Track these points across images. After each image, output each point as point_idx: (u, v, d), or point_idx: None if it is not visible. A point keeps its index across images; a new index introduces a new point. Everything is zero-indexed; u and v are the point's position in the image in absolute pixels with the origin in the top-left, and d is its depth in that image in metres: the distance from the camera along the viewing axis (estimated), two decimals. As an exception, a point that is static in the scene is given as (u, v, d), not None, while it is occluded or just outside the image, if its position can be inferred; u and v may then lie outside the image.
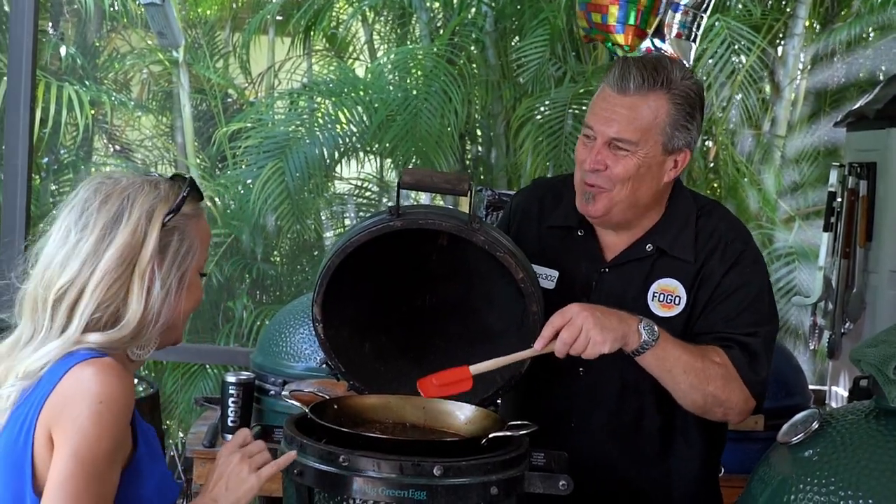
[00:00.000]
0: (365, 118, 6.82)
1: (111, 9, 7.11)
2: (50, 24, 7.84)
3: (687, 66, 3.61)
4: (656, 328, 2.39)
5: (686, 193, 2.68)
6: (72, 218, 1.95)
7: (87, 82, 7.10)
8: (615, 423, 2.60)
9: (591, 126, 2.53)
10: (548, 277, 2.65)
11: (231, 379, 3.69)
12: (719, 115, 7.16)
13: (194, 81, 7.48)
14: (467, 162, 6.96)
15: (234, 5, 8.13)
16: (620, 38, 3.65)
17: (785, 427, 2.22)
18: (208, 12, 8.13)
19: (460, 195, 2.37)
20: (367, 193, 7.37)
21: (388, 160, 7.11)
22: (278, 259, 7.40)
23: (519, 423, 2.30)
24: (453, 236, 2.48)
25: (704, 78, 6.77)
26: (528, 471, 2.24)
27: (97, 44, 7.69)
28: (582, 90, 6.54)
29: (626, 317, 2.38)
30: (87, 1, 6.59)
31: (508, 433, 2.24)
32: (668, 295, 2.56)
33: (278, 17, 7.96)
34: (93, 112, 7.24)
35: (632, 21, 3.55)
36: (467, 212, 2.41)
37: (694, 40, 3.72)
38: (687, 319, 2.55)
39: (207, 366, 6.05)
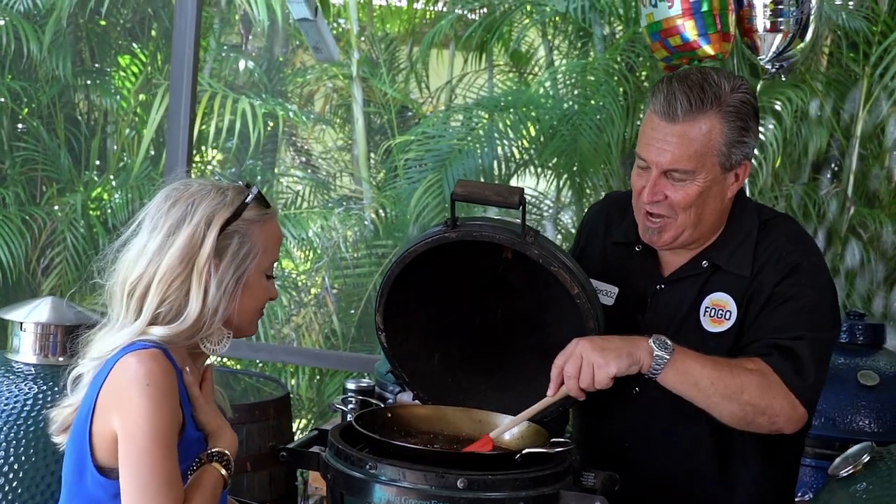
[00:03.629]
0: (532, 133, 6.83)
1: (290, 26, 7.36)
2: (241, 38, 8.18)
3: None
4: (669, 342, 2.32)
5: (749, 207, 2.60)
6: (146, 220, 2.14)
7: (263, 95, 7.35)
8: (669, 442, 2.54)
9: (643, 157, 2.46)
10: (608, 293, 2.64)
11: (351, 385, 3.76)
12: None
13: (372, 96, 7.65)
14: (627, 177, 6.85)
15: (417, 21, 8.27)
16: (709, 50, 3.53)
17: (837, 460, 2.15)
18: (395, 30, 8.30)
19: (511, 207, 2.36)
20: (543, 207, 7.35)
21: (562, 176, 7.07)
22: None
23: (560, 440, 2.27)
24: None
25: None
26: (566, 489, 2.20)
27: (280, 59, 7.95)
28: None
29: (632, 337, 2.33)
30: (262, 18, 6.82)
31: (543, 450, 2.21)
32: (719, 310, 2.50)
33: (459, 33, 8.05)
34: (271, 125, 7.50)
35: (713, 29, 3.44)
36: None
37: (794, 25, 3.54)
38: (738, 334, 2.48)
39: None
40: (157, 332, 2.08)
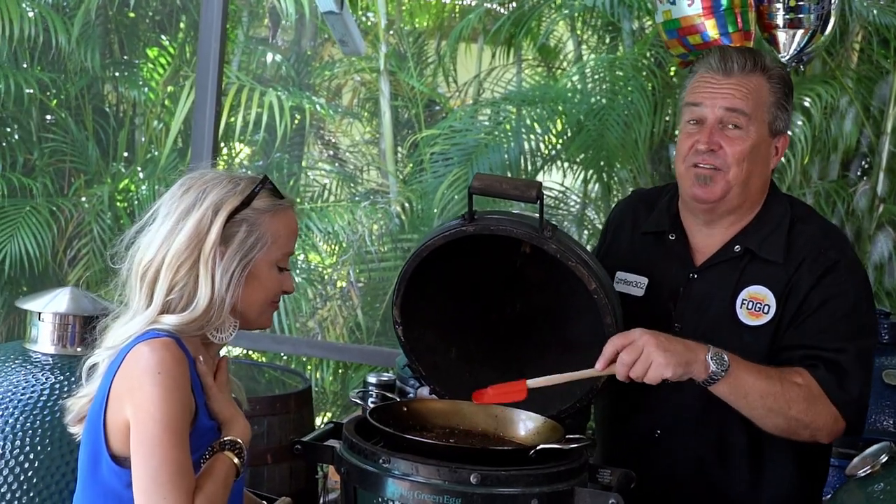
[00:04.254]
0: (560, 128, 6.81)
1: (318, 20, 7.36)
2: (269, 31, 8.19)
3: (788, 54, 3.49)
4: (726, 357, 2.30)
5: (782, 197, 2.62)
6: (162, 206, 2.16)
7: (290, 88, 7.36)
8: (699, 436, 2.52)
9: (699, 104, 2.51)
10: (637, 284, 2.62)
11: (372, 380, 3.75)
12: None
13: (399, 89, 7.65)
14: (655, 174, 6.82)
15: (445, 15, 8.26)
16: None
17: (855, 460, 2.13)
18: (424, 24, 8.30)
19: (529, 202, 2.34)
20: (570, 202, 7.32)
21: (588, 171, 7.04)
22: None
23: (576, 436, 2.25)
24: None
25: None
26: (581, 486, 2.18)
27: (308, 52, 7.96)
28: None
29: (693, 345, 2.30)
30: (290, 11, 6.82)
31: (558, 446, 2.19)
32: (757, 303, 2.48)
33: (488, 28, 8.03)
34: (298, 118, 7.51)
35: (734, 27, 3.40)
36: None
37: (815, 21, 3.50)
38: (776, 329, 2.46)
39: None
40: (170, 320, 2.08)
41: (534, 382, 2.33)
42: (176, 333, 2.09)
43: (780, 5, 3.49)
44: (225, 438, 2.12)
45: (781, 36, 3.53)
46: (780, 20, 3.52)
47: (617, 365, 2.28)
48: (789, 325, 2.45)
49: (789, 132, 2.56)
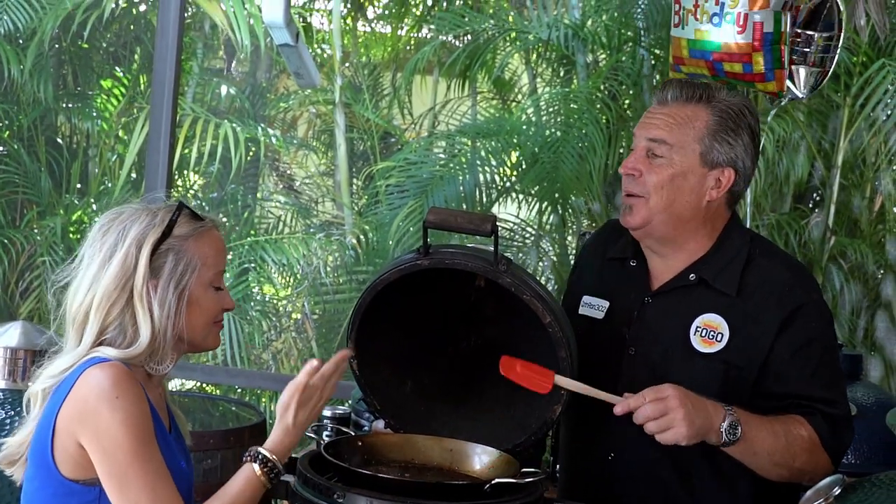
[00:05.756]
0: (514, 160, 6.84)
1: (273, 52, 7.37)
2: (224, 63, 8.19)
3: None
4: (739, 429, 2.33)
5: (744, 231, 2.64)
6: (85, 251, 2.17)
7: (245, 120, 7.35)
8: (655, 459, 2.51)
9: (635, 135, 2.56)
10: (599, 308, 2.65)
11: (327, 413, 3.72)
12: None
13: (354, 121, 7.66)
14: (609, 206, 6.86)
15: (401, 48, 8.29)
16: (771, 86, 3.39)
17: (808, 492, 2.13)
18: (380, 56, 8.32)
19: (484, 235, 2.35)
20: (526, 234, 7.34)
21: (543, 203, 7.07)
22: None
23: (530, 470, 2.25)
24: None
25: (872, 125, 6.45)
26: (536, 520, 2.18)
27: (264, 84, 7.96)
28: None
29: (713, 411, 2.33)
30: (245, 43, 6.81)
31: (513, 480, 2.19)
32: (710, 331, 2.50)
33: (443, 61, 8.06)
34: (253, 150, 7.50)
35: (779, 64, 3.30)
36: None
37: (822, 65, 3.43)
38: (728, 356, 2.48)
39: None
40: (112, 353, 2.09)
41: (561, 380, 2.34)
42: (120, 363, 2.08)
43: (804, 41, 3.39)
44: (258, 450, 2.13)
45: (802, 72, 3.45)
46: (806, 56, 3.41)
47: (638, 413, 2.29)
48: (766, 362, 2.47)
49: (737, 168, 2.52)
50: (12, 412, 2.78)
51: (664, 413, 2.27)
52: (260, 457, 2.12)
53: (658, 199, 2.50)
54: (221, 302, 2.21)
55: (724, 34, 3.36)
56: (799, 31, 3.40)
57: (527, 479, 2.20)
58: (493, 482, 2.17)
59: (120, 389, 2.02)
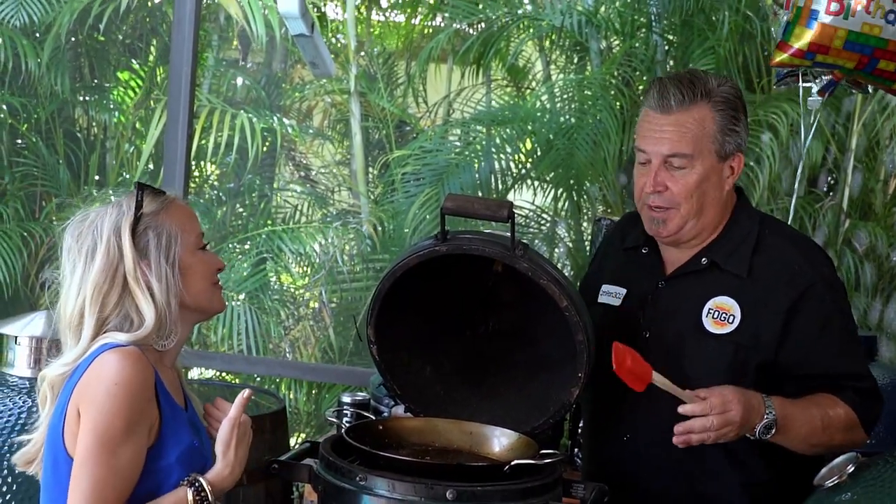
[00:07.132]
0: (529, 147, 6.86)
1: (288, 43, 7.39)
2: (240, 54, 8.20)
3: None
4: (773, 430, 2.40)
5: (751, 211, 2.69)
6: (65, 263, 2.22)
7: (261, 110, 7.38)
8: (662, 436, 2.53)
9: (643, 149, 2.56)
10: (616, 295, 2.70)
11: (346, 399, 3.76)
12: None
13: (370, 110, 7.67)
14: (624, 192, 6.87)
15: (415, 36, 8.29)
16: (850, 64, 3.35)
17: (823, 470, 2.16)
18: (394, 45, 8.32)
19: (500, 221, 2.38)
20: (541, 220, 7.36)
21: (558, 189, 7.08)
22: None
23: (549, 451, 2.29)
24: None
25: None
26: (555, 500, 2.22)
27: (279, 74, 7.98)
28: (751, 119, 6.37)
29: (756, 415, 2.39)
30: (260, 34, 6.83)
31: (532, 461, 2.23)
32: (722, 313, 2.55)
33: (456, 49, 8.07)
34: (269, 140, 7.52)
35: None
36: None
37: None
38: (740, 337, 2.53)
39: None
40: (123, 338, 2.13)
41: (656, 378, 2.38)
42: (134, 346, 2.13)
43: None
44: (197, 477, 2.14)
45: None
46: None
47: (696, 420, 2.34)
48: (783, 341, 2.52)
49: (743, 150, 2.58)
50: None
51: (723, 427, 2.34)
52: (197, 484, 2.13)
53: (689, 206, 2.54)
54: (213, 262, 2.28)
55: (889, 32, 3.31)
56: None
57: (546, 461, 2.23)
58: (512, 463, 2.21)
59: (122, 378, 2.05)
